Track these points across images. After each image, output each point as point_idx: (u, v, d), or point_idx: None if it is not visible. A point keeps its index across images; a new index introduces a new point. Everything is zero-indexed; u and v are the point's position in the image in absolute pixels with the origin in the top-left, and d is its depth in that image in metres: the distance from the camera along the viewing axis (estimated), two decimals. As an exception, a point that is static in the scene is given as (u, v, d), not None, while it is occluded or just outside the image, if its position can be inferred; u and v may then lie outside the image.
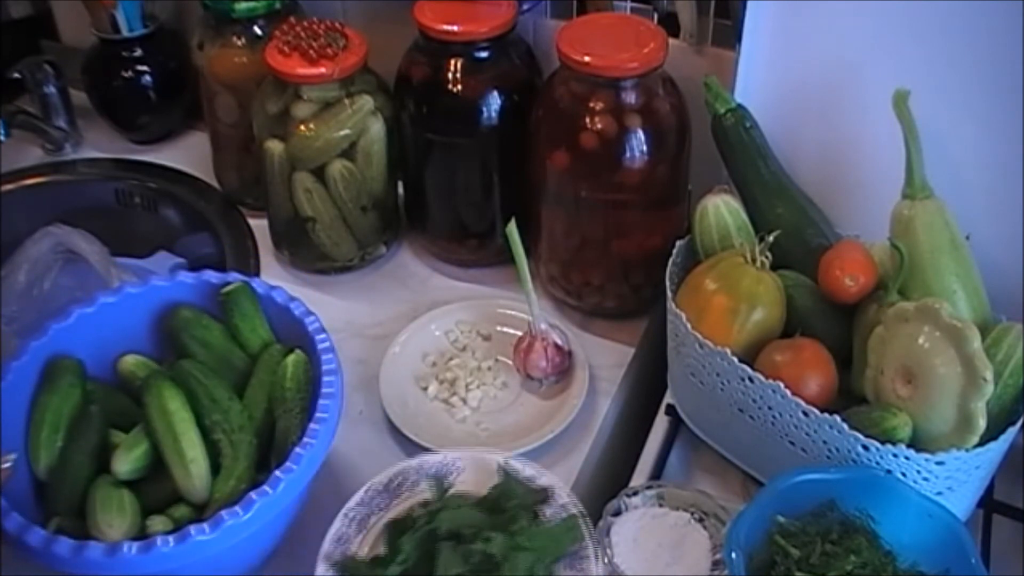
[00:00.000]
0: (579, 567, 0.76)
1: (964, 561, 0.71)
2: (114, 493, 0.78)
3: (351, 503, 0.81)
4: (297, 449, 0.74)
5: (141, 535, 0.76)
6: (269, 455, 0.82)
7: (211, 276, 0.89)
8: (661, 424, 0.94)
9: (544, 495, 0.80)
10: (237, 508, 0.71)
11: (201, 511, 0.78)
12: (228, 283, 0.88)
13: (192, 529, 0.70)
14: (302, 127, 1.01)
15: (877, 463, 0.75)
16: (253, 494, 0.72)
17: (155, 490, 0.80)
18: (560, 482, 0.82)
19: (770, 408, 0.79)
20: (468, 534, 0.76)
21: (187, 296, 0.89)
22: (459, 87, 1.01)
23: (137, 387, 0.84)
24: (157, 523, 0.77)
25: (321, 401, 0.78)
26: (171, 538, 0.70)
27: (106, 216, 1.24)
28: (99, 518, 0.76)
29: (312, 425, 0.76)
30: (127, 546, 0.69)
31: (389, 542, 0.78)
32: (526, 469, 0.83)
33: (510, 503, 0.79)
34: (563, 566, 0.76)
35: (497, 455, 0.84)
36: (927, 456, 0.74)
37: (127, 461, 0.79)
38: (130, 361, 0.88)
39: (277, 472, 0.73)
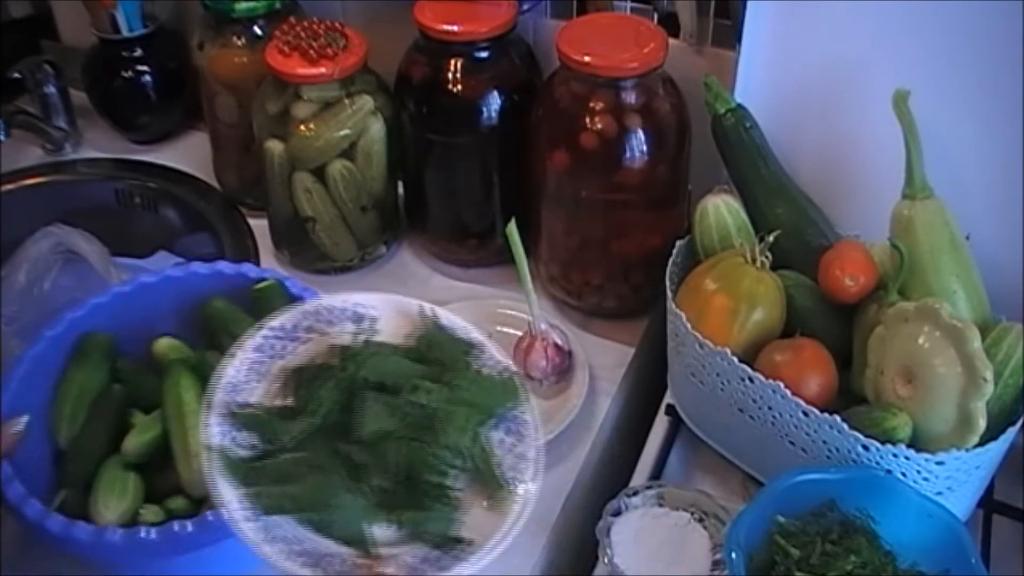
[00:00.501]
0: (517, 431, 0.68)
1: (964, 561, 0.71)
2: (120, 475, 0.78)
3: (240, 349, 0.70)
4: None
5: (134, 522, 0.76)
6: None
7: (249, 270, 0.90)
8: (661, 424, 0.94)
9: (471, 346, 0.72)
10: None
11: (200, 505, 0.78)
12: (263, 279, 0.88)
13: (175, 525, 0.70)
14: (302, 127, 1.01)
15: (877, 463, 0.75)
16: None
17: (162, 478, 0.80)
18: (487, 338, 0.74)
19: (770, 408, 0.79)
20: (397, 385, 0.67)
21: (223, 287, 0.89)
22: (459, 87, 1.00)
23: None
24: (148, 513, 0.77)
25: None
26: (153, 530, 0.70)
27: (106, 216, 1.24)
28: (99, 498, 0.77)
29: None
30: (111, 532, 0.70)
31: (298, 392, 0.69)
32: (446, 317, 0.75)
33: (439, 353, 0.71)
34: (500, 430, 0.68)
35: (414, 300, 0.76)
36: (927, 456, 0.74)
37: (136, 443, 0.80)
38: (164, 344, 0.88)
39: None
